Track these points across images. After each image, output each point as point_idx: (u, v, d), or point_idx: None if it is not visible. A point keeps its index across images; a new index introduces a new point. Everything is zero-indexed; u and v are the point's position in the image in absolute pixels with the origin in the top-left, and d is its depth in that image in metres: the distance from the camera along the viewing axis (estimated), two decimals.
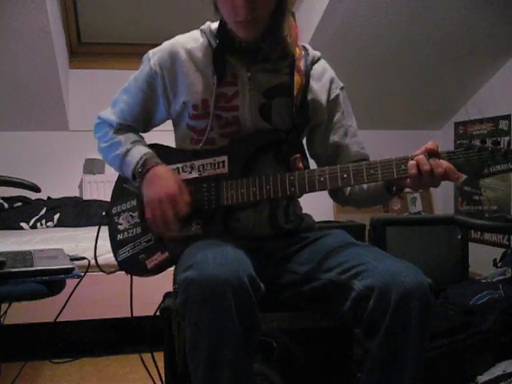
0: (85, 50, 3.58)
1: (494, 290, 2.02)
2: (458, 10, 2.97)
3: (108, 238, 1.42)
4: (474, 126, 3.67)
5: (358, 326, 1.14)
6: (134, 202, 1.38)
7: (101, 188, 3.46)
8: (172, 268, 1.35)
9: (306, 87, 1.32)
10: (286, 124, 1.32)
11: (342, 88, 1.40)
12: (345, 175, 1.17)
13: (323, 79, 1.37)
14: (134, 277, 1.42)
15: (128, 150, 1.34)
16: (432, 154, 1.12)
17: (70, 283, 1.47)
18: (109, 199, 1.46)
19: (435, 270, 2.39)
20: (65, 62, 3.42)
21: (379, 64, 3.39)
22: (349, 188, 1.35)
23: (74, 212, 3.18)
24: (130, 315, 1.49)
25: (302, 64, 1.33)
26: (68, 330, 2.58)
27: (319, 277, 1.21)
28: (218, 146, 1.31)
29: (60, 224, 3.12)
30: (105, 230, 1.43)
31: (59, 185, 3.42)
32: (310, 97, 1.34)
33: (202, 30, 1.35)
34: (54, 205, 3.22)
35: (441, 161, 1.11)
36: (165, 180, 1.24)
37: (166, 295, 1.45)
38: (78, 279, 1.43)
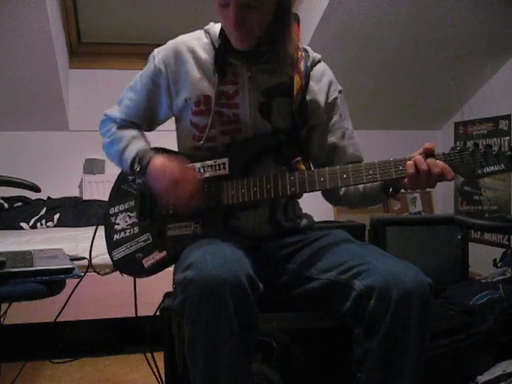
0: (85, 50, 3.58)
1: (494, 290, 2.03)
2: (458, 10, 2.97)
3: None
4: (474, 125, 3.67)
5: (358, 325, 1.14)
6: (132, 203, 1.39)
7: (101, 188, 3.46)
8: (172, 268, 1.35)
9: (305, 88, 1.34)
10: (286, 123, 1.33)
11: (340, 91, 1.41)
12: (344, 175, 1.19)
13: (322, 81, 1.38)
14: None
15: (126, 147, 1.36)
16: (429, 154, 1.15)
17: (70, 283, 1.47)
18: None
19: (435, 270, 2.39)
20: (65, 62, 3.42)
21: (379, 64, 3.39)
22: (344, 188, 1.36)
23: (74, 212, 3.17)
24: (129, 315, 1.50)
25: (302, 65, 1.34)
26: (68, 330, 2.58)
27: (319, 277, 1.22)
28: (219, 144, 1.32)
29: (60, 224, 3.12)
30: (103, 230, 1.43)
31: (59, 185, 3.42)
32: (308, 97, 1.35)
33: (205, 30, 1.37)
34: (53, 205, 3.22)
35: (437, 161, 1.14)
36: (164, 169, 1.25)
37: (166, 295, 1.45)
38: (78, 279, 1.43)
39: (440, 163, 1.14)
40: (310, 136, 1.39)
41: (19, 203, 3.25)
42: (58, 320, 1.65)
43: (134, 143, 1.36)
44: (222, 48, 1.31)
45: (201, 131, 1.34)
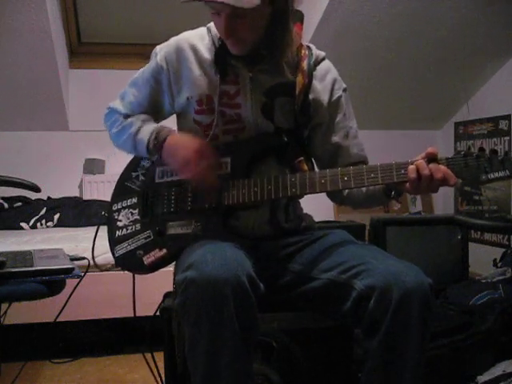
0: (85, 50, 3.59)
1: (493, 290, 2.03)
2: (458, 10, 2.97)
3: (107, 237, 1.42)
4: (474, 125, 3.67)
5: (359, 325, 1.14)
6: (134, 200, 1.39)
7: (101, 188, 3.46)
8: (172, 268, 1.35)
9: (308, 87, 1.33)
10: (289, 123, 1.33)
11: (344, 89, 1.40)
12: (345, 178, 1.18)
13: (326, 80, 1.37)
14: (135, 277, 1.42)
15: (139, 128, 1.35)
16: (431, 159, 1.13)
17: (70, 283, 1.47)
18: (109, 199, 1.46)
19: (435, 270, 2.39)
20: (65, 62, 3.42)
21: (379, 64, 3.39)
22: (353, 192, 1.36)
23: (74, 212, 3.18)
24: (130, 315, 1.49)
25: (305, 64, 1.33)
26: (68, 330, 2.58)
27: (319, 276, 1.22)
28: (221, 143, 1.32)
29: (60, 224, 3.12)
30: (104, 230, 1.44)
31: (59, 185, 3.42)
32: (311, 96, 1.34)
33: (208, 28, 1.36)
34: (54, 205, 3.22)
35: (440, 166, 1.12)
36: (183, 143, 1.26)
37: (166, 295, 1.45)
38: (78, 279, 1.43)
39: (442, 168, 1.12)
40: (312, 135, 1.39)
41: (19, 203, 3.25)
42: (58, 320, 1.65)
43: (147, 124, 1.36)
44: (222, 49, 1.30)
45: (204, 129, 1.34)
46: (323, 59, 1.39)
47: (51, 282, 1.35)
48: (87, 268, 1.50)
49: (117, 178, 1.48)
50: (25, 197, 3.26)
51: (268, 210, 1.33)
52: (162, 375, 1.46)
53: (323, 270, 1.21)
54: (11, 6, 2.71)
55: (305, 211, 1.46)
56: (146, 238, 1.34)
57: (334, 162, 1.37)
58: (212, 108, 1.31)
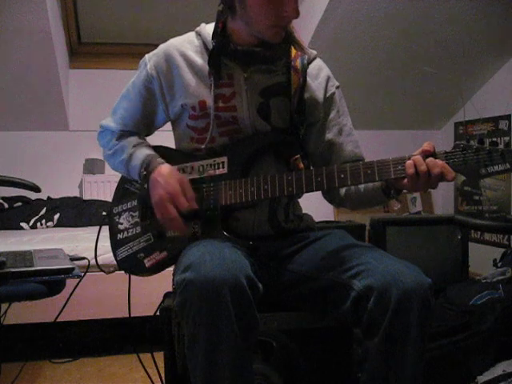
0: (85, 50, 3.59)
1: (494, 290, 2.02)
2: (458, 9, 2.97)
3: (108, 238, 1.42)
4: (474, 126, 3.67)
5: (358, 325, 1.14)
6: (134, 202, 1.39)
7: (101, 188, 3.46)
8: (171, 268, 1.35)
9: (303, 86, 1.33)
10: (285, 123, 1.33)
11: (337, 87, 1.40)
12: (342, 175, 1.17)
13: (320, 77, 1.37)
14: (134, 277, 1.43)
15: (131, 155, 1.36)
16: (428, 154, 1.12)
17: (70, 283, 1.47)
18: (109, 199, 1.47)
19: (435, 270, 2.39)
20: (65, 62, 3.42)
21: (379, 64, 3.39)
22: (344, 189, 1.36)
23: (74, 212, 3.18)
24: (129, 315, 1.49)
25: (298, 63, 1.33)
26: (68, 330, 2.58)
27: (319, 277, 1.21)
28: (218, 145, 1.32)
29: (60, 224, 3.12)
30: (105, 230, 1.44)
31: (59, 185, 3.43)
32: (307, 95, 1.34)
33: (197, 32, 1.35)
34: (54, 205, 3.22)
35: (437, 161, 1.10)
36: (166, 179, 1.24)
37: (166, 295, 1.46)
38: (78, 279, 1.43)
39: (440, 163, 1.10)
40: (307, 134, 1.38)
41: (19, 203, 3.25)
42: (58, 320, 1.64)
43: (138, 151, 1.35)
44: (217, 49, 1.29)
45: (199, 133, 1.33)
46: (315, 58, 1.39)
47: (51, 282, 1.35)
48: (87, 268, 1.50)
49: (116, 178, 1.49)
50: (25, 197, 3.26)
51: (267, 210, 1.33)
52: (162, 375, 1.46)
53: (322, 270, 1.21)
54: (11, 6, 2.71)
55: (304, 211, 1.46)
56: (146, 241, 1.35)
57: (328, 159, 1.37)
58: (207, 113, 1.30)
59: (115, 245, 1.40)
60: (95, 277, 1.66)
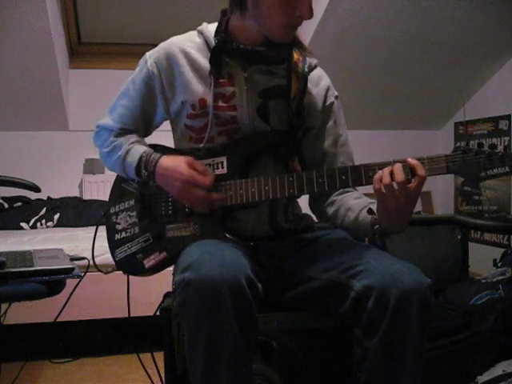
0: (85, 50, 3.59)
1: (494, 290, 2.02)
2: (458, 9, 2.97)
3: (106, 238, 1.42)
4: (474, 126, 3.67)
5: (358, 325, 1.14)
6: (132, 202, 1.39)
7: (101, 188, 3.46)
8: (171, 268, 1.35)
9: (303, 91, 1.32)
10: (283, 125, 1.32)
11: (336, 97, 1.40)
12: (343, 177, 1.17)
13: (320, 85, 1.37)
14: (134, 277, 1.42)
15: (128, 151, 1.34)
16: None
17: (70, 283, 1.47)
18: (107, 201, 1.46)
19: (435, 270, 2.39)
20: (65, 62, 3.42)
21: (379, 64, 3.39)
22: (332, 210, 1.34)
23: (74, 212, 3.18)
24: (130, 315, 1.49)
25: (299, 68, 1.33)
26: (68, 330, 2.58)
27: (318, 277, 1.21)
28: (217, 144, 1.32)
29: (60, 224, 3.12)
30: (104, 230, 1.44)
31: (59, 185, 3.43)
32: (306, 100, 1.34)
33: (198, 31, 1.35)
34: (54, 205, 3.23)
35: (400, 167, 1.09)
36: (172, 171, 1.25)
37: (166, 295, 1.45)
38: (78, 279, 1.43)
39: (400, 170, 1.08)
40: (304, 138, 1.38)
41: (19, 203, 3.25)
42: (58, 320, 1.64)
43: (135, 148, 1.34)
44: (219, 47, 1.29)
45: (197, 133, 1.33)
46: (316, 66, 1.39)
47: (51, 282, 1.35)
48: (87, 268, 1.50)
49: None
50: (25, 197, 3.26)
51: (267, 211, 1.33)
52: (162, 375, 1.46)
53: (322, 270, 1.21)
54: (11, 6, 2.71)
55: (304, 211, 1.46)
56: (145, 242, 1.34)
57: (320, 168, 1.36)
58: (206, 112, 1.30)
59: (113, 245, 1.39)
60: (95, 277, 1.66)
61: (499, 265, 2.32)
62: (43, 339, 2.52)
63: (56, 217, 3.15)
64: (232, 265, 1.05)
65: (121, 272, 1.40)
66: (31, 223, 3.10)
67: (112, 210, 1.41)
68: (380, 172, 1.11)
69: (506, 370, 1.75)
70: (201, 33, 1.34)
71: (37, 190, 1.77)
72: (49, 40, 2.92)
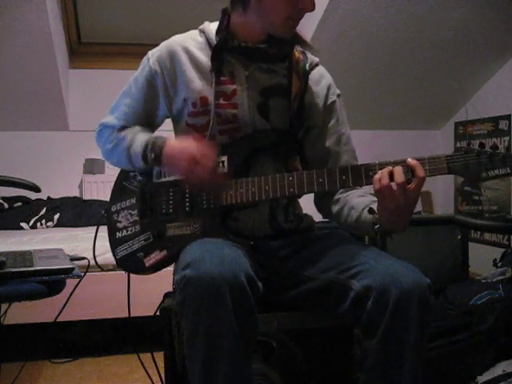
0: (85, 50, 3.59)
1: (494, 290, 2.02)
2: (458, 9, 2.97)
3: (107, 237, 1.42)
4: (474, 126, 3.67)
5: (357, 325, 1.14)
6: (133, 200, 1.39)
7: (101, 188, 3.46)
8: (171, 268, 1.35)
9: (304, 90, 1.33)
10: (284, 124, 1.32)
11: (338, 95, 1.40)
12: (343, 177, 1.17)
13: (321, 84, 1.38)
14: (134, 277, 1.43)
15: (132, 140, 1.34)
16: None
17: (70, 283, 1.47)
18: (109, 199, 1.46)
19: (435, 270, 2.39)
20: (65, 62, 3.42)
21: (379, 64, 3.39)
22: (336, 208, 1.34)
23: (74, 212, 3.18)
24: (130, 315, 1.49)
25: (300, 67, 1.33)
26: (68, 330, 2.58)
27: (318, 277, 1.22)
28: (218, 143, 1.31)
29: (60, 224, 3.12)
30: (104, 230, 1.44)
31: (59, 185, 3.43)
32: (307, 99, 1.34)
33: (200, 30, 1.36)
34: (54, 205, 3.22)
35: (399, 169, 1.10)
36: (179, 151, 1.24)
37: (166, 295, 1.45)
38: (78, 279, 1.43)
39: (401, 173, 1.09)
40: (305, 138, 1.38)
41: (19, 203, 3.25)
42: (58, 320, 1.65)
43: (139, 135, 1.34)
44: (221, 44, 1.29)
45: (199, 131, 1.33)
46: (317, 65, 1.39)
47: (51, 282, 1.35)
48: (87, 268, 1.50)
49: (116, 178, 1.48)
50: (25, 197, 3.26)
51: (267, 210, 1.33)
52: (162, 375, 1.46)
53: (322, 270, 1.21)
54: (11, 6, 2.71)
55: (304, 211, 1.46)
56: (145, 240, 1.34)
57: (323, 167, 1.36)
58: (207, 110, 1.30)
59: (114, 243, 1.39)
60: (95, 277, 1.66)
61: (499, 265, 2.32)
62: (43, 339, 2.52)
63: (56, 217, 3.14)
64: (232, 263, 1.05)
65: (121, 272, 1.40)
66: (31, 223, 3.10)
67: (113, 209, 1.41)
68: (380, 172, 1.11)
69: (506, 370, 1.76)
70: (202, 31, 1.35)
71: (37, 190, 1.77)
72: (49, 40, 2.92)
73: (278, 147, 1.32)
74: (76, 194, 3.54)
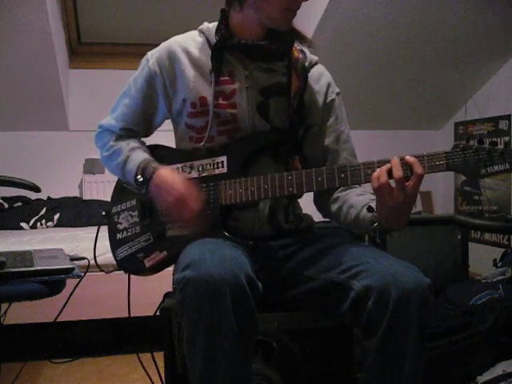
0: (85, 50, 3.59)
1: (494, 290, 2.02)
2: (458, 9, 2.97)
3: (107, 237, 1.42)
4: (474, 125, 3.67)
5: (358, 325, 1.14)
6: (133, 202, 1.39)
7: (101, 188, 3.46)
8: (172, 268, 1.35)
9: (303, 88, 1.33)
10: (284, 123, 1.32)
11: (337, 93, 1.40)
12: (342, 175, 1.17)
13: (321, 82, 1.38)
14: (134, 277, 1.43)
15: (127, 158, 1.35)
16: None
17: (70, 283, 1.47)
18: (109, 199, 1.47)
19: (435, 270, 2.39)
20: (65, 62, 3.42)
21: (379, 64, 3.39)
22: (335, 207, 1.35)
23: (74, 212, 3.18)
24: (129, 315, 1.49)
25: (299, 65, 1.33)
26: (68, 330, 2.58)
27: (318, 277, 1.22)
28: (217, 144, 1.32)
29: (60, 224, 3.12)
30: (104, 230, 1.44)
31: (59, 185, 3.43)
32: (306, 98, 1.34)
33: (199, 30, 1.36)
34: (54, 205, 3.22)
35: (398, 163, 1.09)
36: (169, 185, 1.25)
37: (166, 295, 1.45)
38: (78, 279, 1.43)
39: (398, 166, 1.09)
40: (304, 136, 1.38)
41: (19, 203, 3.25)
42: (58, 320, 1.65)
43: (134, 154, 1.35)
44: (220, 43, 1.29)
45: (198, 132, 1.33)
46: (316, 63, 1.39)
47: (51, 282, 1.35)
48: (87, 268, 1.50)
49: (116, 178, 1.48)
50: (25, 197, 3.26)
51: (267, 210, 1.33)
52: (162, 375, 1.46)
53: (322, 271, 1.21)
54: (11, 6, 2.71)
55: (304, 211, 1.46)
56: (145, 241, 1.34)
57: (322, 165, 1.36)
58: (206, 110, 1.30)
59: (114, 244, 1.40)
60: (95, 277, 1.66)
61: (499, 265, 2.32)
62: (43, 339, 2.52)
63: (56, 217, 3.14)
64: (232, 263, 1.05)
65: (121, 272, 1.41)
66: (31, 223, 3.10)
67: (114, 210, 1.42)
68: (378, 170, 1.11)
69: (506, 370, 1.75)
70: (202, 32, 1.35)
71: (37, 190, 1.77)
72: (49, 40, 2.92)
73: (277, 147, 1.33)
74: (76, 194, 3.54)
